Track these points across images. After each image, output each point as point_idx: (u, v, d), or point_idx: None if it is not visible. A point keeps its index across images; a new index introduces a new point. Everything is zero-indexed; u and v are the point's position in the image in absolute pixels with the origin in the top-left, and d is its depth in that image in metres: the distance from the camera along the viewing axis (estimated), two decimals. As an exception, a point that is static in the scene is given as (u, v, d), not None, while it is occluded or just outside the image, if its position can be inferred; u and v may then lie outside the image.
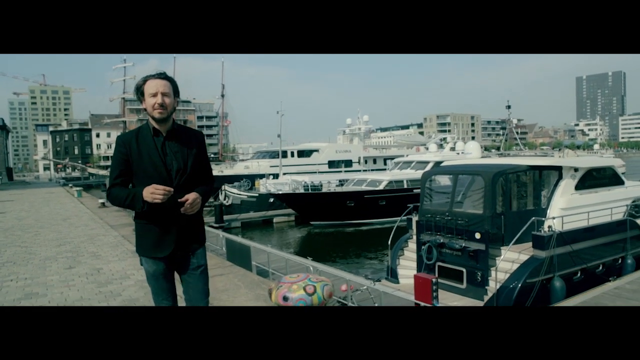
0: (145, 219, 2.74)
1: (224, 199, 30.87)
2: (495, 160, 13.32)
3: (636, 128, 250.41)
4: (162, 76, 2.75)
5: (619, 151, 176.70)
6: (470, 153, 14.58)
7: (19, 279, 6.06)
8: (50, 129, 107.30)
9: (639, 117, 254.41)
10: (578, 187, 12.47)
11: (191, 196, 2.64)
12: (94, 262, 6.95)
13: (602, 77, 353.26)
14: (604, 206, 12.05)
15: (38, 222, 12.52)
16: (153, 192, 2.50)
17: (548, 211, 11.69)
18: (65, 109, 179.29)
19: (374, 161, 44.42)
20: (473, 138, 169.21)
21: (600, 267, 11.59)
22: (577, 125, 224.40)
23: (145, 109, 2.79)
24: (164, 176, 2.68)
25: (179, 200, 2.62)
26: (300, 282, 2.99)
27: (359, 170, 38.72)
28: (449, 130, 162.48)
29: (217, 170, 42.24)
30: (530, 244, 10.42)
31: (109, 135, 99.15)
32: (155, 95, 2.68)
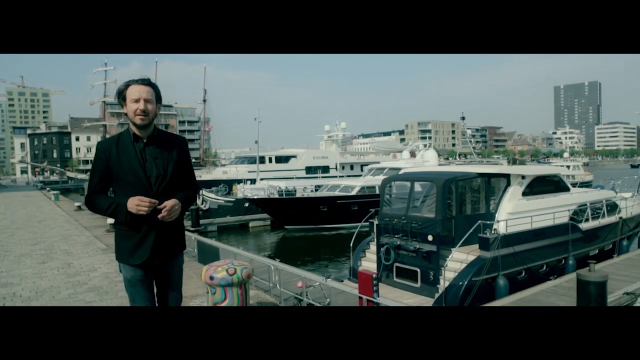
0: (124, 225, 2.71)
1: (202, 204, 31.40)
2: (450, 167, 14.26)
3: (611, 137, 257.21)
4: (146, 82, 2.74)
5: (594, 159, 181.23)
6: (428, 161, 15.56)
7: None
8: (29, 131, 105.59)
9: (614, 127, 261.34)
10: (525, 193, 13.43)
11: (169, 203, 2.63)
12: (66, 258, 7.65)
13: (579, 87, 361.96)
14: (549, 211, 13.02)
15: (14, 224, 13.03)
16: (138, 204, 2.51)
17: (496, 215, 12.62)
18: (44, 112, 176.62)
19: (351, 167, 45.37)
20: (454, 145, 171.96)
21: (544, 267, 12.54)
22: (554, 133, 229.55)
23: (126, 114, 2.74)
24: (144, 182, 2.67)
25: (158, 207, 2.61)
26: (224, 265, 3.71)
27: (335, 176, 39.57)
28: (430, 137, 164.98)
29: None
30: (478, 245, 11.34)
31: (88, 138, 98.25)
32: (137, 101, 2.66)
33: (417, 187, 12.82)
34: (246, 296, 4.17)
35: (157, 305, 2.93)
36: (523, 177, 13.46)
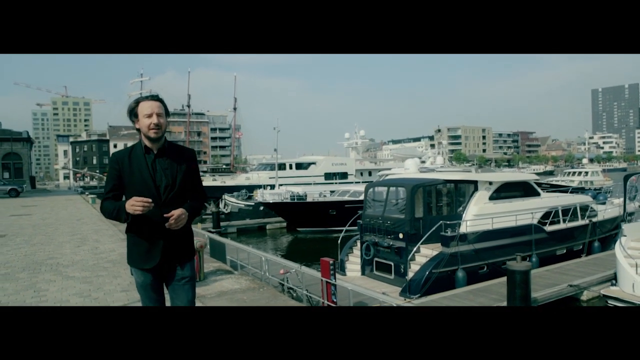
0: (135, 232, 2.86)
1: (224, 207, 33.96)
2: (424, 175, 16.12)
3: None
4: (155, 98, 2.87)
5: (633, 164, 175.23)
6: (408, 168, 17.41)
7: (45, 251, 9.54)
8: (71, 139, 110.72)
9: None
10: (492, 198, 15.14)
11: (176, 212, 2.74)
12: (95, 244, 10.32)
13: (619, 90, 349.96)
14: (513, 214, 14.64)
15: (57, 221, 15.90)
16: (133, 204, 2.63)
17: (463, 216, 14.38)
18: (85, 120, 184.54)
19: (369, 173, 47.20)
20: (484, 151, 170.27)
21: (507, 264, 14.18)
22: (591, 138, 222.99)
23: (138, 130, 2.87)
24: (153, 192, 2.77)
25: (165, 215, 2.73)
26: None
27: (352, 182, 41.50)
28: (459, 143, 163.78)
29: (219, 181, 45.58)
30: (441, 242, 13.19)
31: (125, 146, 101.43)
32: (150, 115, 2.78)
33: (392, 191, 14.78)
34: (201, 261, 6.37)
35: (173, 300, 3.03)
36: (490, 183, 15.18)
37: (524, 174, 22.55)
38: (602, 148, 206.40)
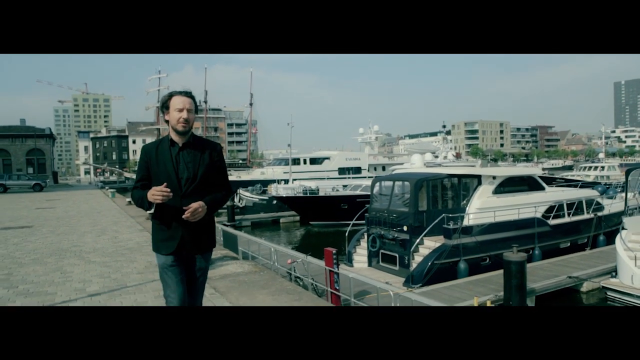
0: (158, 219, 3.02)
1: (239, 201, 34.76)
2: (429, 169, 16.54)
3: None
4: (188, 94, 2.99)
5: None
6: (414, 163, 17.82)
7: (69, 240, 10.39)
8: (91, 135, 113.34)
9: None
10: (496, 192, 15.50)
11: (193, 205, 2.84)
12: (114, 234, 11.14)
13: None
14: (516, 207, 14.97)
15: (79, 214, 16.88)
16: (153, 194, 2.77)
17: (467, 210, 14.79)
18: (105, 116, 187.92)
19: (383, 168, 47.54)
20: (502, 145, 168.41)
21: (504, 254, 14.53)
22: (613, 132, 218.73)
23: (167, 121, 2.99)
24: (175, 183, 2.88)
25: (184, 207, 2.84)
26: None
27: (365, 177, 41.93)
28: (477, 137, 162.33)
29: (235, 176, 46.41)
30: (444, 235, 13.62)
31: (144, 141, 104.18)
32: (181, 110, 2.92)
33: (398, 185, 15.24)
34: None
35: (187, 289, 3.10)
36: (494, 177, 15.54)
37: (529, 168, 22.75)
38: (625, 142, 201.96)
